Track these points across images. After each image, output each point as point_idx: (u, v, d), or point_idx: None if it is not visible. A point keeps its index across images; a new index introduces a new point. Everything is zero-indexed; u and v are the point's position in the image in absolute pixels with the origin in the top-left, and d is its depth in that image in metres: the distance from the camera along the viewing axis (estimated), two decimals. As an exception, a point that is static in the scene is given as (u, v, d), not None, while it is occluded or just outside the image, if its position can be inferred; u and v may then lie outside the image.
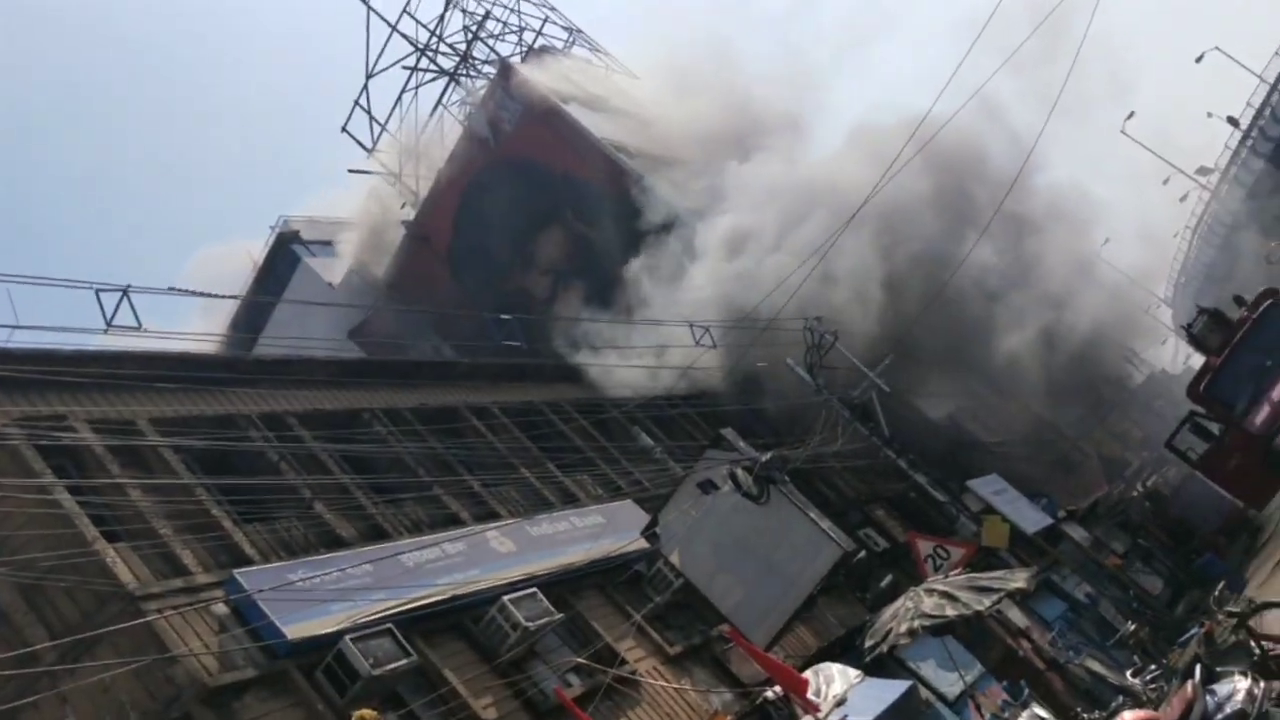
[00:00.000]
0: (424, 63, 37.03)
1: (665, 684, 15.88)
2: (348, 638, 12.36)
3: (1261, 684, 10.81)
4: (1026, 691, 18.99)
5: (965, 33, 20.11)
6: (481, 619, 14.54)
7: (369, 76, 36.78)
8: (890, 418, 24.05)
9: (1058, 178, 37.01)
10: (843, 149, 32.85)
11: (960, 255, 25.01)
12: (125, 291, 14.16)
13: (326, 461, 16.43)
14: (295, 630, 12.32)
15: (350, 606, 13.10)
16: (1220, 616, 13.60)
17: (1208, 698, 10.98)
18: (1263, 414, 18.07)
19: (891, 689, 15.11)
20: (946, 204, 29.13)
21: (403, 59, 36.93)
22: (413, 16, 36.73)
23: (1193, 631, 15.14)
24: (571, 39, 42.41)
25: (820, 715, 14.14)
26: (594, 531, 17.81)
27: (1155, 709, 12.83)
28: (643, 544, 17.29)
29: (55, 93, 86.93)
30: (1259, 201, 45.63)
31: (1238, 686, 10.87)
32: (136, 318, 14.19)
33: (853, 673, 15.14)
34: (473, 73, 37.43)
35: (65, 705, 10.94)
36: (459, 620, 14.51)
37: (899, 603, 16.84)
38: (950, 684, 18.29)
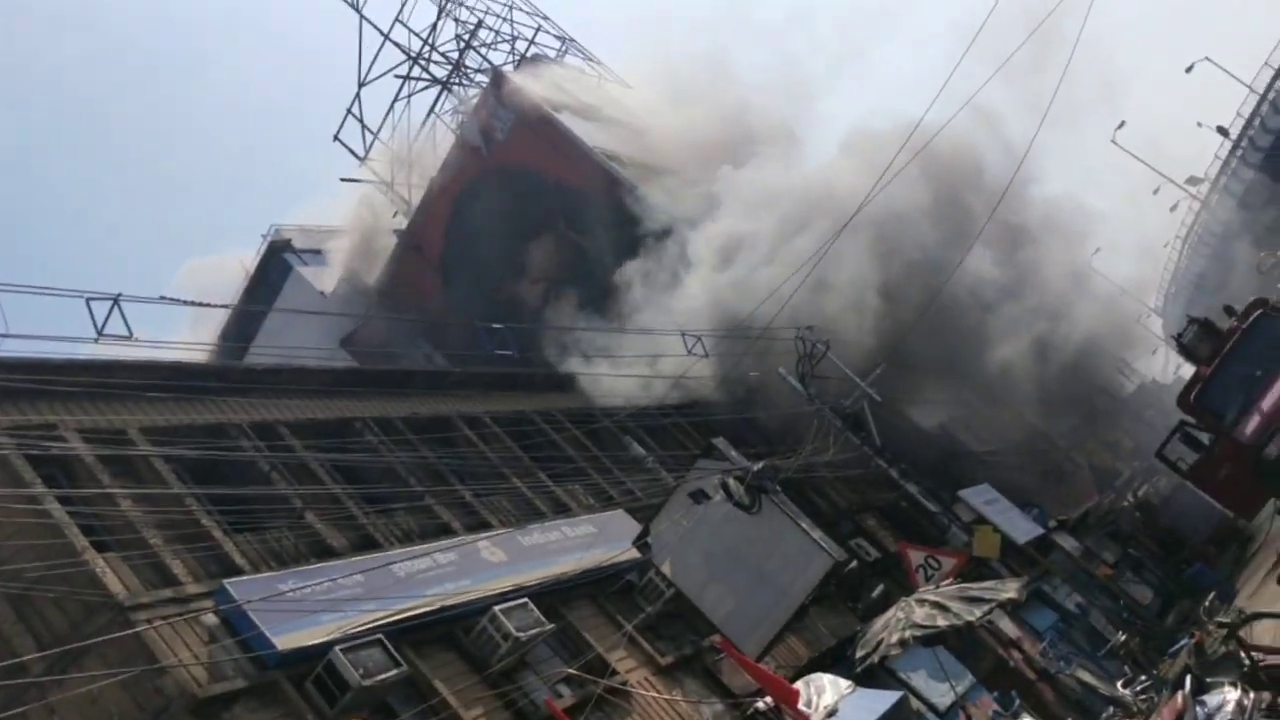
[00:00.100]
0: (416, 71, 37.09)
1: (656, 695, 15.86)
2: (338, 648, 12.34)
3: (1251, 695, 10.83)
4: (1017, 702, 19.01)
5: (961, 38, 20.27)
6: (472, 629, 14.51)
7: (361, 85, 36.85)
8: (882, 427, 24.06)
9: (1052, 189, 37.21)
10: (837, 156, 32.94)
11: (959, 266, 25.04)
12: (116, 300, 14.16)
13: (318, 471, 16.40)
14: (285, 641, 12.29)
15: (340, 617, 13.06)
16: (1210, 627, 13.64)
17: (1198, 708, 10.99)
18: (1253, 424, 18.10)
19: (883, 699, 15.09)
20: (943, 213, 29.21)
21: (395, 67, 37.00)
22: (405, 25, 36.80)
23: (1183, 642, 15.19)
24: (564, 48, 42.51)
25: (811, 726, 14.11)
26: (585, 541, 17.80)
27: (1146, 719, 12.85)
28: (634, 554, 17.26)
29: (46, 100, 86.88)
30: (1249, 212, 45.77)
31: (1228, 697, 10.88)
32: (127, 326, 14.21)
33: (844, 683, 15.10)
34: (465, 81, 37.50)
35: (53, 716, 10.89)
36: (450, 630, 14.49)
37: (890, 613, 16.85)
38: (941, 694, 18.28)
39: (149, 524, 13.16)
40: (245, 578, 13.15)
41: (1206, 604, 18.91)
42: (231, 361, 29.15)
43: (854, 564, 21.61)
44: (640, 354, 24.24)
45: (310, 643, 12.45)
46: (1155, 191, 55.97)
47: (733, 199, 30.20)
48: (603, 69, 42.89)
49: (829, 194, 27.62)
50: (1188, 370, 21.93)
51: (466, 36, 37.55)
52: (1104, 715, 18.26)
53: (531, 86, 34.89)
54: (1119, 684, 18.84)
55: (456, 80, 37.45)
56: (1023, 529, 24.53)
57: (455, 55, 37.45)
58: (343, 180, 38.24)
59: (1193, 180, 53.94)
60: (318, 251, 39.51)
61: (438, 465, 18.42)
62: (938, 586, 18.15)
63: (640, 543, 17.04)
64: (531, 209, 33.43)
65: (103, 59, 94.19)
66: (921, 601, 16.70)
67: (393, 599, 13.81)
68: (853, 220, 21.02)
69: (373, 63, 36.63)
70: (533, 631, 14.64)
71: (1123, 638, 21.65)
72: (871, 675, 16.84)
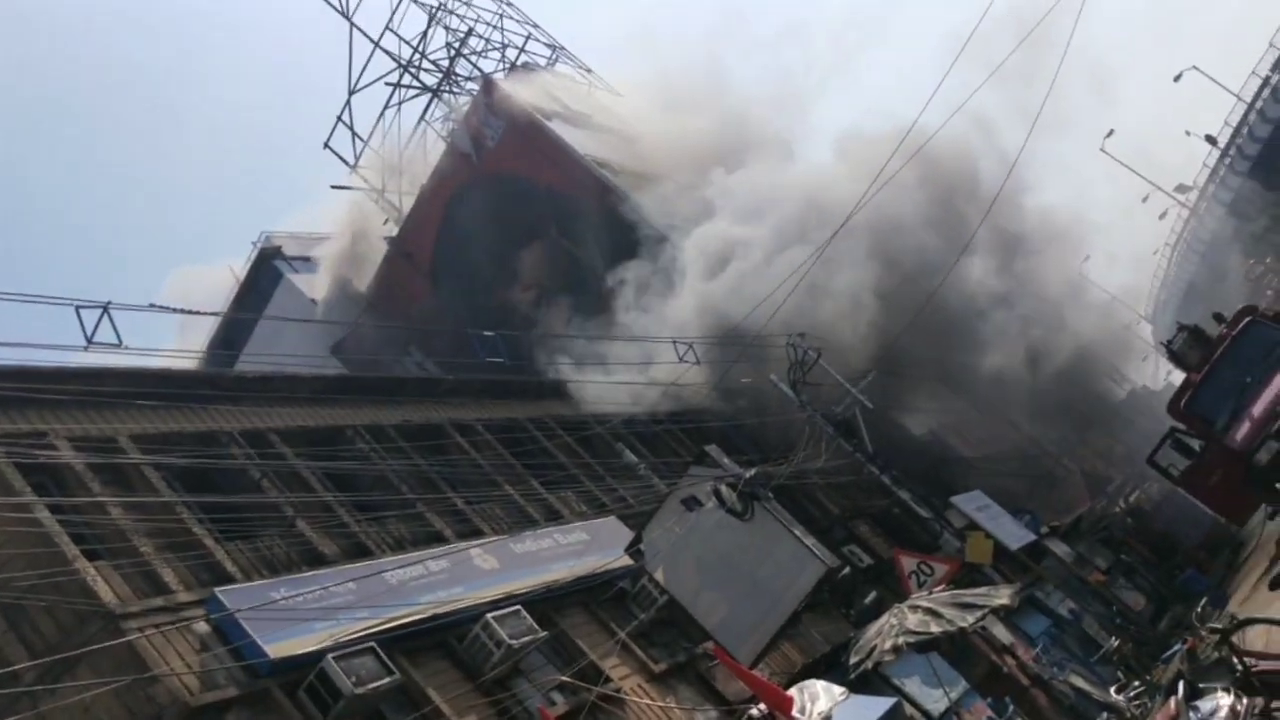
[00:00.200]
0: (407, 79, 37.17)
1: (650, 702, 15.84)
2: (330, 656, 12.29)
3: (1244, 700, 10.82)
4: (1011, 708, 19.02)
5: (953, 44, 20.37)
6: (465, 637, 14.47)
7: (351, 92, 36.89)
8: (874, 434, 24.10)
9: (1048, 199, 37.39)
10: (831, 161, 33.02)
11: (953, 272, 25.09)
12: (106, 308, 14.09)
13: (309, 479, 16.35)
14: (277, 649, 12.24)
15: (333, 625, 13.02)
16: (1203, 632, 13.62)
17: (1191, 714, 10.99)
18: (1243, 430, 18.11)
19: (876, 706, 15.10)
20: (938, 220, 29.26)
21: (386, 75, 37.09)
22: (395, 33, 36.87)
23: (1176, 648, 15.17)
24: (554, 56, 42.58)
25: (805, 733, 14.09)
26: (578, 549, 17.77)
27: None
28: (627, 561, 17.23)
29: (35, 108, 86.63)
30: (1238, 219, 46.01)
31: (1221, 703, 10.87)
32: (117, 334, 14.12)
33: (838, 690, 15.08)
34: (455, 89, 37.57)
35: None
36: (442, 638, 14.44)
37: (883, 619, 16.84)
38: (935, 701, 18.28)
39: (140, 532, 13.10)
40: (237, 586, 13.09)
41: (1199, 609, 18.91)
42: (222, 369, 29.04)
43: (847, 570, 21.62)
44: (632, 361, 24.25)
45: (302, 651, 12.40)
46: (1144, 199, 56.28)
47: (726, 204, 30.23)
48: (593, 77, 42.96)
49: (823, 199, 27.65)
50: (1178, 377, 21.99)
51: (457, 44, 37.65)
52: (1097, 721, 18.30)
53: (522, 94, 34.93)
54: (1112, 690, 18.84)
55: (447, 88, 37.53)
56: (1015, 535, 24.54)
57: (446, 63, 37.55)
58: (333, 188, 38.36)
59: (1182, 188, 54.23)
60: (308, 259, 39.47)
61: (430, 472, 18.38)
62: (930, 593, 18.13)
63: (633, 550, 17.02)
64: (522, 216, 33.43)
65: (92, 68, 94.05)
66: (915, 608, 16.68)
67: (385, 607, 13.78)
68: (848, 226, 21.05)
69: (363, 70, 36.76)
70: (526, 639, 14.60)
71: (1116, 643, 21.69)
72: (865, 682, 16.84)
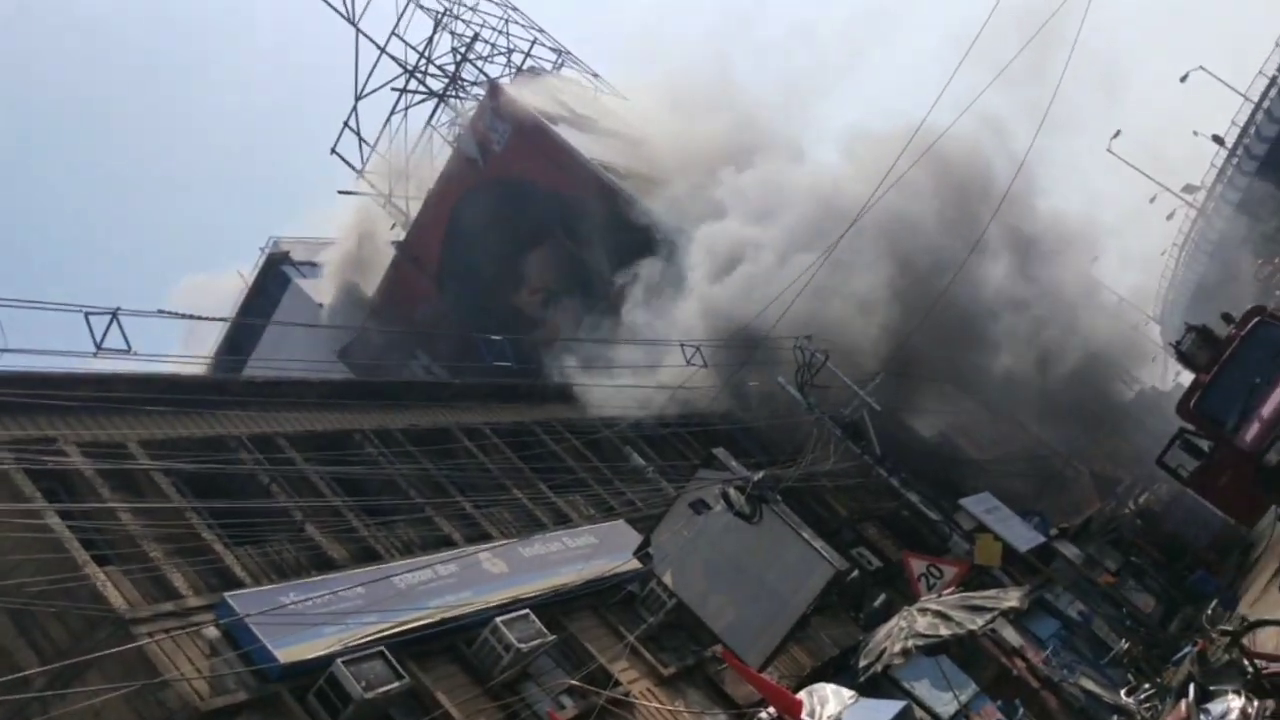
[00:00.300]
0: (413, 84, 37.18)
1: (659, 706, 15.82)
2: (340, 660, 12.31)
3: (1255, 703, 10.79)
4: (1021, 711, 18.95)
5: (962, 44, 20.35)
6: (474, 641, 14.48)
7: (358, 98, 36.91)
8: (882, 436, 24.04)
9: (1061, 201, 37.36)
10: (839, 162, 32.96)
11: (964, 273, 25.03)
12: (115, 314, 14.18)
13: (318, 483, 16.38)
14: (287, 653, 12.26)
15: (342, 629, 13.04)
16: (1213, 634, 13.58)
17: (1202, 716, 10.96)
18: (1252, 431, 18.05)
19: (886, 709, 15.02)
20: (951, 221, 29.19)
21: (391, 80, 37.10)
22: (401, 38, 36.90)
23: (1186, 650, 15.11)
24: (560, 60, 42.59)
25: (815, 736, 14.06)
26: (586, 552, 17.77)
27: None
28: (635, 564, 17.22)
29: (44, 115, 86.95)
30: (1246, 219, 45.90)
31: (1231, 705, 10.84)
32: (126, 340, 14.23)
33: (847, 693, 15.03)
34: (461, 94, 37.58)
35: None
36: (452, 642, 14.45)
37: (893, 622, 16.78)
38: (945, 704, 18.22)
39: (149, 537, 13.13)
40: (246, 590, 13.12)
41: (1209, 611, 18.88)
42: (230, 374, 29.10)
43: (856, 573, 21.55)
44: (640, 364, 24.23)
45: (312, 655, 12.42)
46: (1152, 200, 56.15)
47: (735, 205, 30.19)
48: (599, 81, 42.99)
49: (832, 199, 27.60)
50: (1187, 378, 21.89)
51: (463, 49, 37.66)
52: (1107, 723, 18.24)
53: (527, 98, 34.97)
54: (1122, 692, 18.77)
55: (453, 93, 37.55)
56: (1024, 537, 24.46)
57: (452, 68, 37.56)
58: (340, 193, 38.37)
59: (1189, 189, 54.09)
60: (316, 264, 39.56)
61: (438, 477, 18.40)
62: (940, 595, 18.09)
63: (641, 553, 17.01)
64: (528, 219, 33.46)
65: (101, 74, 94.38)
66: (924, 610, 16.63)
67: (394, 611, 13.79)
68: (860, 227, 21.01)
69: (369, 76, 36.78)
70: (534, 643, 14.60)
71: (1126, 645, 21.61)
72: (875, 685, 16.77)
